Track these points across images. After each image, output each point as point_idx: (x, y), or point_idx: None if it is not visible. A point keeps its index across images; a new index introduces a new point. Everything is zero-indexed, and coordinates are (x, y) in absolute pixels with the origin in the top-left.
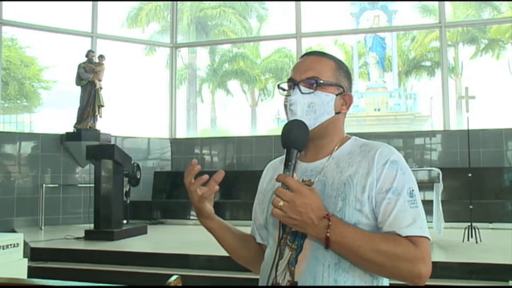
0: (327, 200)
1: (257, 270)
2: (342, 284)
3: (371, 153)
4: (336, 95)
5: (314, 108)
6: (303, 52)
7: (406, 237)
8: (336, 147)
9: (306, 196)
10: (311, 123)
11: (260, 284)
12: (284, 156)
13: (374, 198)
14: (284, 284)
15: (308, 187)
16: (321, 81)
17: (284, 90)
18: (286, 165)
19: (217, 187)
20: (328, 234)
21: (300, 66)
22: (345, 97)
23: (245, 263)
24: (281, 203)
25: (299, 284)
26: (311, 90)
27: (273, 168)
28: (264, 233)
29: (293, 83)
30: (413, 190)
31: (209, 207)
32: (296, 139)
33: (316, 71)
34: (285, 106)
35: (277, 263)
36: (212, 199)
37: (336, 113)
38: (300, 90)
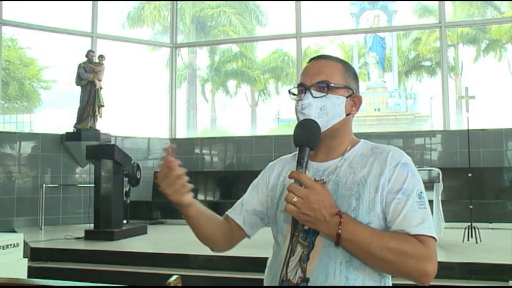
0: (340, 199)
1: (217, 249)
2: (353, 281)
3: (383, 155)
4: (346, 97)
5: (326, 111)
6: (303, 52)
7: (414, 235)
8: (347, 149)
9: (320, 193)
10: (323, 126)
11: (267, 280)
12: (292, 155)
13: (385, 198)
14: (296, 281)
15: (320, 184)
16: (332, 85)
17: (294, 95)
18: (299, 163)
19: (180, 171)
20: (339, 231)
21: (309, 70)
22: (354, 99)
23: (210, 242)
24: (295, 199)
25: (310, 281)
26: (323, 94)
27: (283, 164)
28: (252, 219)
29: (304, 87)
30: (421, 192)
31: (187, 197)
32: (309, 138)
33: (326, 75)
34: (296, 110)
35: (288, 260)
36: (184, 190)
37: (347, 115)
38: (311, 94)
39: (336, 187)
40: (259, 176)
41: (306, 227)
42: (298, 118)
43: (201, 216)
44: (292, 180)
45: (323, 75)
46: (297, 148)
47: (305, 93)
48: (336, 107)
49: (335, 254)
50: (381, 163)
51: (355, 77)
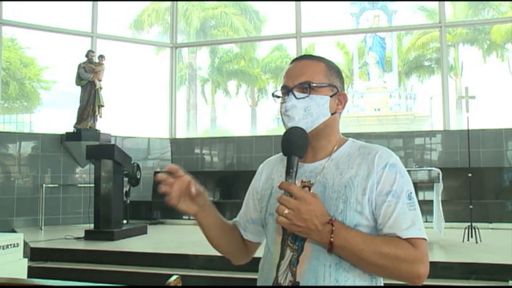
0: (327, 202)
1: (236, 261)
2: (343, 283)
3: (370, 156)
4: (331, 96)
5: (310, 111)
6: (303, 52)
7: (406, 239)
8: (334, 149)
9: (310, 203)
10: (309, 126)
11: (259, 283)
12: (279, 155)
13: (374, 200)
14: (286, 284)
15: (310, 193)
16: (314, 84)
17: (279, 97)
18: (288, 173)
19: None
20: (332, 239)
21: (291, 72)
22: (340, 97)
23: (225, 253)
24: (286, 211)
25: (301, 284)
26: (306, 94)
27: (271, 166)
28: (252, 228)
29: (287, 89)
30: (411, 193)
31: (183, 206)
32: (297, 147)
33: (307, 76)
34: (281, 112)
35: (279, 264)
36: (189, 198)
37: (332, 114)
38: (294, 95)
39: (323, 189)
40: (251, 183)
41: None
42: (282, 120)
43: (211, 225)
44: (282, 191)
45: (305, 76)
46: (286, 158)
47: (288, 95)
48: (320, 107)
49: (324, 257)
50: (368, 164)
51: (339, 75)
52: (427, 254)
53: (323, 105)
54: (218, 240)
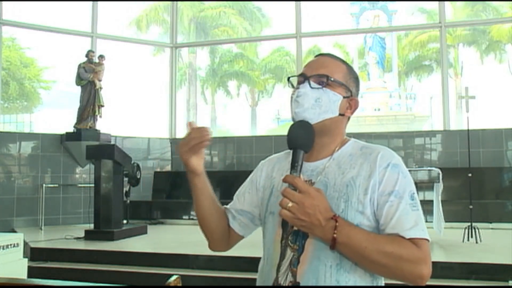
0: (329, 201)
1: (214, 245)
2: (343, 284)
3: (372, 156)
4: (344, 97)
5: (320, 103)
6: (303, 52)
7: (409, 239)
8: (336, 148)
9: (315, 198)
10: (315, 118)
11: (258, 284)
12: (281, 154)
13: (376, 200)
14: (286, 285)
15: (315, 188)
16: (332, 79)
17: (293, 86)
18: (293, 166)
19: (208, 138)
20: (335, 235)
21: (313, 63)
22: (351, 102)
23: (210, 232)
24: (290, 204)
25: (301, 285)
26: (320, 86)
27: (272, 164)
28: (240, 219)
29: (304, 77)
30: (413, 194)
31: (195, 162)
32: (303, 140)
33: (328, 70)
34: (292, 99)
35: (279, 264)
36: (201, 157)
37: (340, 115)
38: (310, 84)
39: (324, 188)
40: (250, 176)
41: (295, 228)
42: (291, 106)
43: (206, 194)
44: (287, 185)
45: (325, 69)
46: (291, 151)
47: (304, 82)
48: (331, 102)
49: (325, 257)
50: (370, 164)
51: (356, 81)
52: (429, 255)
53: (334, 102)
54: (209, 213)
